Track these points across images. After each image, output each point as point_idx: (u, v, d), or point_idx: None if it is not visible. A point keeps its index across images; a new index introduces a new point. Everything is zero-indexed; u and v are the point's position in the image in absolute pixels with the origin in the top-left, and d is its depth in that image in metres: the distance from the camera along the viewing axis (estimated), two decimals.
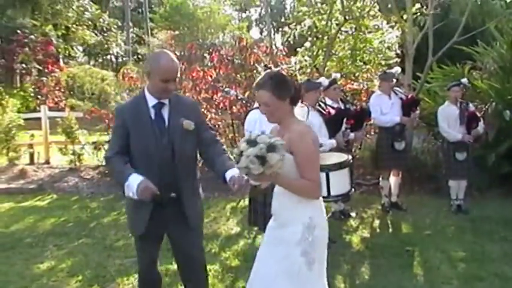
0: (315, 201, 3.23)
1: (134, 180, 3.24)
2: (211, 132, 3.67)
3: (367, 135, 9.43)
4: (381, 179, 8.02)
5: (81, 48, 30.73)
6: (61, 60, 25.90)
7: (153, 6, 35.03)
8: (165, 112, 3.44)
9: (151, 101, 3.42)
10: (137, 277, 3.92)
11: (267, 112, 3.17)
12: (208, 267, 5.36)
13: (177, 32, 10.52)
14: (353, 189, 5.58)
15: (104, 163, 3.60)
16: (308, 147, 3.07)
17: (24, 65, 22.92)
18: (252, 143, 2.87)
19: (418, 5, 9.81)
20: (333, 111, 6.14)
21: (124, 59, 30.16)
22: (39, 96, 19.84)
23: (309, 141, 3.10)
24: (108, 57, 37.96)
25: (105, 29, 29.52)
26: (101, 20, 26.96)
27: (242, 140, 2.95)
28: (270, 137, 2.91)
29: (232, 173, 3.33)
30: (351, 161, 5.45)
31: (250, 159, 2.83)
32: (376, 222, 7.43)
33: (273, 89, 3.10)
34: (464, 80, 7.98)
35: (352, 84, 10.66)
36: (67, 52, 26.63)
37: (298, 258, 3.11)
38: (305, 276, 3.13)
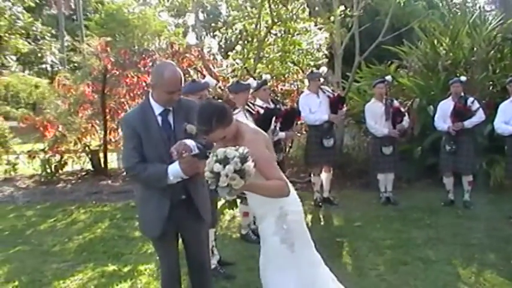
0: None
1: (173, 168, 3.36)
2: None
3: (299, 134, 9.65)
4: (312, 175, 8.27)
5: (14, 58, 29.93)
6: None
7: (88, 13, 34.44)
8: (171, 118, 3.53)
9: (158, 108, 3.50)
10: (161, 280, 3.94)
11: (225, 142, 3.23)
12: (144, 266, 5.54)
13: (109, 39, 10.50)
14: None
15: (125, 173, 3.63)
16: (263, 152, 3.18)
17: None
18: (223, 161, 2.86)
19: (342, 7, 10.10)
20: (261, 111, 6.30)
21: (59, 67, 29.53)
22: None
23: (261, 145, 3.24)
24: (43, 66, 37.16)
25: (38, 37, 28.88)
26: (34, 28, 26.35)
27: (209, 161, 2.91)
28: (236, 149, 2.92)
29: None
30: None
31: (231, 177, 2.83)
32: (309, 217, 7.64)
33: (222, 124, 3.17)
34: (388, 77, 8.34)
35: (284, 85, 10.89)
36: (0, 62, 25.97)
37: (279, 246, 3.34)
38: (289, 258, 3.35)
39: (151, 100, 3.52)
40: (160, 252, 3.80)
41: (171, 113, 3.54)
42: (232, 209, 2.96)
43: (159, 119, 3.50)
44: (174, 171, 3.36)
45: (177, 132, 3.50)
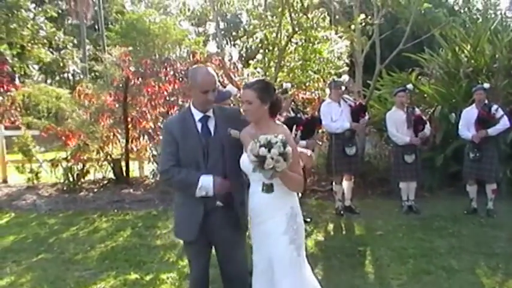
0: (294, 193, 3.53)
1: (206, 180, 3.47)
2: None
3: (320, 143, 9.62)
4: (334, 184, 8.23)
5: (36, 67, 30.35)
6: (17, 79, 25.54)
7: (109, 23, 34.76)
8: (211, 124, 3.65)
9: (197, 115, 3.63)
10: (189, 285, 4.02)
11: (248, 110, 3.47)
12: (166, 275, 5.55)
13: (130, 48, 10.64)
14: None
15: (160, 177, 3.83)
16: (294, 146, 3.35)
17: None
18: (267, 145, 3.10)
19: (363, 16, 10.08)
20: (282, 119, 6.29)
21: (81, 76, 29.89)
22: None
23: (292, 140, 3.45)
24: (65, 75, 37.63)
25: (61, 47, 29.23)
26: (56, 37, 26.68)
27: (251, 148, 3.13)
28: (275, 136, 3.16)
29: None
30: None
31: (276, 159, 3.06)
32: (330, 226, 7.62)
33: (258, 90, 3.43)
34: (409, 86, 8.30)
35: (305, 94, 10.88)
36: (23, 71, 26.33)
37: (287, 246, 3.37)
38: (296, 261, 3.40)
39: (191, 107, 3.67)
40: (190, 257, 3.86)
41: (211, 119, 3.65)
42: (268, 193, 3.02)
43: (199, 125, 3.62)
44: (205, 183, 3.46)
45: (217, 137, 3.61)
